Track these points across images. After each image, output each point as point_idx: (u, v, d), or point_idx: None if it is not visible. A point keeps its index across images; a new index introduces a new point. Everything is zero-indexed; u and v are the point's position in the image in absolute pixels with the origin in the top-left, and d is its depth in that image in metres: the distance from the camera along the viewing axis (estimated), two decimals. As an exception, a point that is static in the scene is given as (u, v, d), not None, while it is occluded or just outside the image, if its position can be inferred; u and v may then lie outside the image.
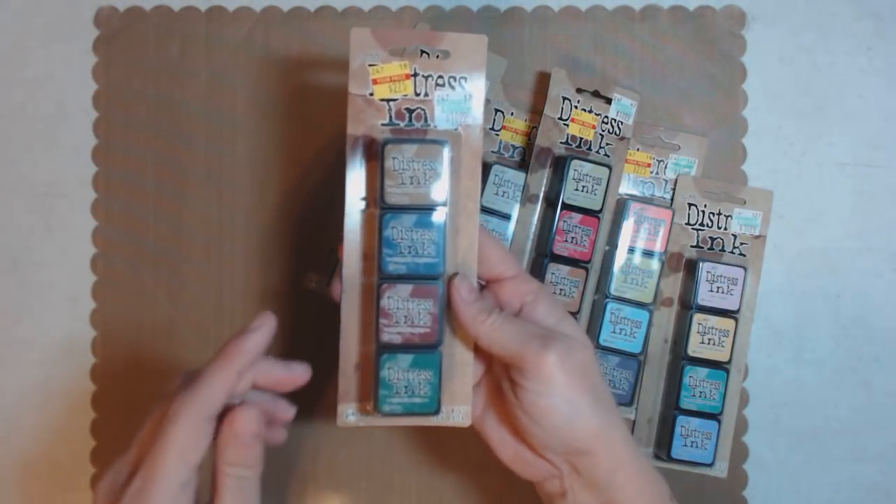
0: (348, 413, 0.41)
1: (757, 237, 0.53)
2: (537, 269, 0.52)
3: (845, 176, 0.55)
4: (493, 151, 0.54)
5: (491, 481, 0.54)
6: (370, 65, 0.40)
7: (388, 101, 0.40)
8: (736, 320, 0.52)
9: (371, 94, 0.40)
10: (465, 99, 0.41)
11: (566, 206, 0.51)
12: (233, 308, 0.54)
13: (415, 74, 0.40)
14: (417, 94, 0.41)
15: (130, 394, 0.54)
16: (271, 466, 0.55)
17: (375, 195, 0.40)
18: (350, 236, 0.41)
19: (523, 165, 0.53)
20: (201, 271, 0.54)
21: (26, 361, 0.55)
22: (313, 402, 0.54)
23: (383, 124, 0.41)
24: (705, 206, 0.53)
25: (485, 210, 0.52)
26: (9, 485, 0.55)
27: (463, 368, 0.41)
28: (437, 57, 0.41)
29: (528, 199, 0.53)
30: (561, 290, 0.51)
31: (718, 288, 0.52)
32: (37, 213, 0.55)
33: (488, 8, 0.55)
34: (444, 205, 0.40)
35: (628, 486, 0.39)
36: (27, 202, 0.55)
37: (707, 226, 0.53)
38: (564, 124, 0.52)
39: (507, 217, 0.52)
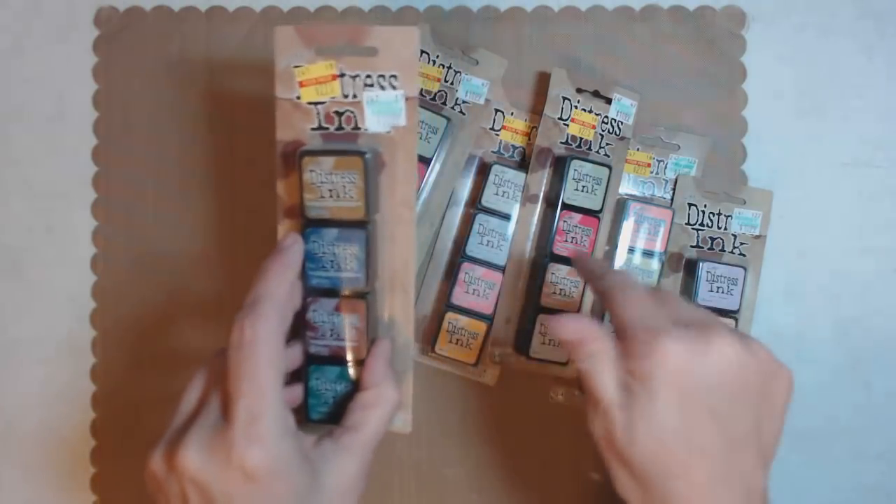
0: None
1: (757, 237, 0.53)
2: (537, 269, 0.52)
3: (845, 176, 0.55)
4: (493, 151, 0.54)
5: (491, 481, 0.54)
6: (295, 66, 0.38)
7: (315, 104, 0.39)
8: (736, 320, 0.52)
9: (298, 98, 0.39)
10: (395, 99, 0.38)
11: (566, 206, 0.51)
12: (233, 308, 0.54)
13: (342, 75, 0.38)
14: (346, 96, 0.38)
15: (130, 394, 0.54)
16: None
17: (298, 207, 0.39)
18: None
19: (523, 165, 0.53)
20: (201, 271, 0.54)
21: (26, 361, 0.55)
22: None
23: (312, 129, 0.39)
24: (705, 206, 0.53)
25: (485, 210, 0.52)
26: (9, 485, 0.55)
27: (403, 377, 0.40)
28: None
29: (528, 199, 0.53)
30: (561, 289, 0.51)
31: (718, 288, 0.52)
32: (37, 213, 0.55)
33: (488, 8, 0.55)
34: (365, 221, 0.38)
35: None
36: (27, 202, 0.55)
37: (707, 226, 0.53)
38: (564, 124, 0.52)
39: (507, 217, 0.52)
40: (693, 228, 0.53)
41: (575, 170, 0.51)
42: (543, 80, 0.54)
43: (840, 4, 0.55)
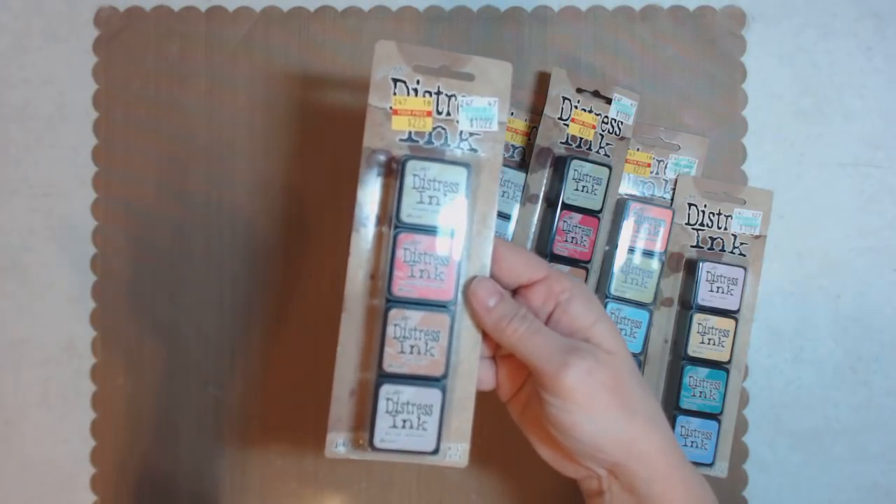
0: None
1: (757, 237, 0.53)
2: (537, 269, 0.52)
3: (845, 176, 0.55)
4: (493, 151, 0.54)
5: (491, 479, 0.54)
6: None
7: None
8: (736, 320, 0.52)
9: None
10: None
11: (566, 206, 0.51)
12: (233, 308, 0.54)
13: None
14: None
15: (130, 394, 0.54)
16: (270, 464, 0.55)
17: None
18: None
19: (523, 165, 0.53)
20: (201, 271, 0.54)
21: (26, 361, 0.55)
22: (314, 401, 0.54)
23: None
24: (705, 206, 0.53)
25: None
26: (9, 485, 0.55)
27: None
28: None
29: (528, 199, 0.53)
30: (561, 290, 0.51)
31: (718, 288, 0.52)
32: (37, 213, 0.55)
33: (488, 8, 0.55)
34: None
35: (668, 496, 0.38)
36: (27, 202, 0.55)
37: (707, 226, 0.53)
38: (564, 124, 0.52)
39: (507, 217, 0.52)
40: (693, 228, 0.53)
41: (575, 170, 0.51)
42: (543, 80, 0.54)
43: (840, 4, 0.55)
